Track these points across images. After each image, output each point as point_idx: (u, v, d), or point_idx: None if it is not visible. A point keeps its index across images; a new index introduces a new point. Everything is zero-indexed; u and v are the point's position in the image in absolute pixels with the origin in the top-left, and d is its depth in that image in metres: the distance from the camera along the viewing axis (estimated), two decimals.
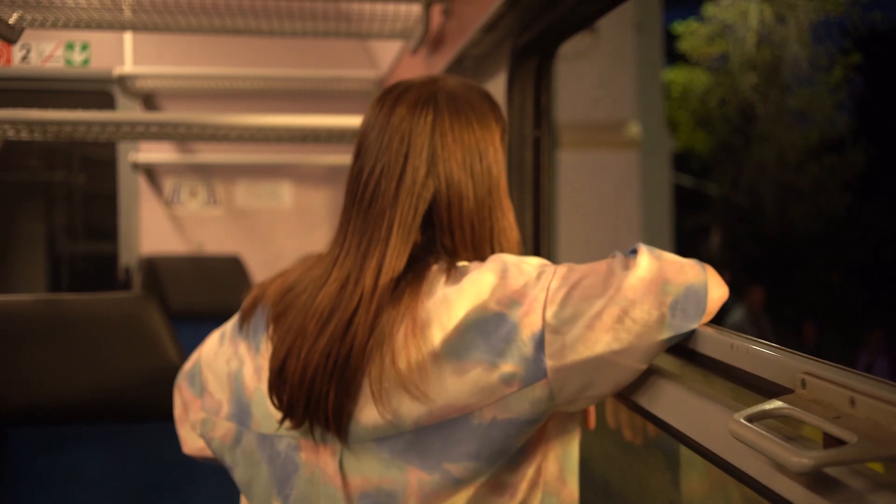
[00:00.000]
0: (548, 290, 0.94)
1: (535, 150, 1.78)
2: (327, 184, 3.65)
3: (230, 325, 1.26)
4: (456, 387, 0.94)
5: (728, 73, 9.32)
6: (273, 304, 1.15)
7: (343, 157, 3.60)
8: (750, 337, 0.92)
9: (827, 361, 0.80)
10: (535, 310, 0.93)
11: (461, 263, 1.04)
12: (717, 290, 0.99)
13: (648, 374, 1.00)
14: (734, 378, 0.95)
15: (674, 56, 8.94)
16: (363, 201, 1.06)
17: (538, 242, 1.78)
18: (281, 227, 3.62)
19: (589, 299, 0.93)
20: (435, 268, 1.03)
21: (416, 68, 2.51)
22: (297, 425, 1.06)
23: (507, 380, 0.93)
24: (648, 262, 0.95)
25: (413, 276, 1.02)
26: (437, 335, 0.96)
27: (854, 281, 11.57)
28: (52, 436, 1.86)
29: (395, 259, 1.03)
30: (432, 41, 2.20)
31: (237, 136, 2.21)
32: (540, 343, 0.92)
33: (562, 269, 0.98)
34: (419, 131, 1.05)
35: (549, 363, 0.92)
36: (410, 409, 0.97)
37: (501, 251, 1.09)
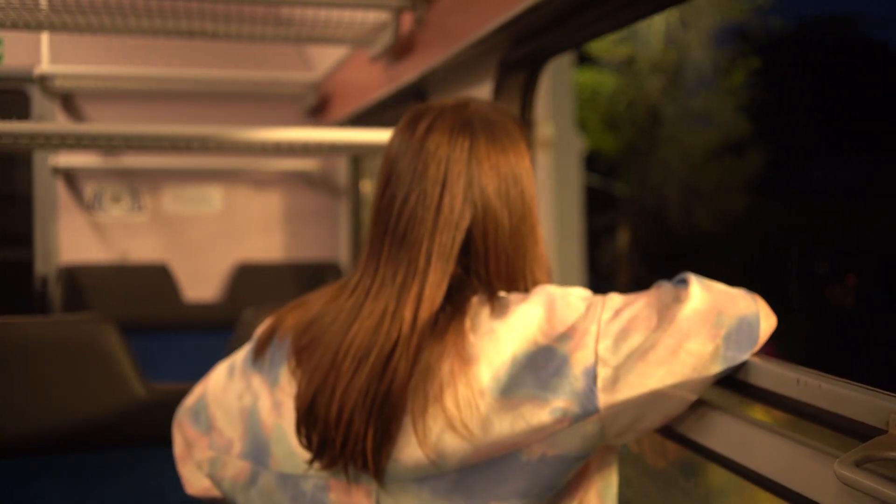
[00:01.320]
0: (599, 322, 0.93)
1: None
2: (261, 189, 3.52)
3: (240, 358, 1.19)
4: (504, 424, 0.92)
5: (635, 76, 9.56)
6: (295, 337, 1.09)
7: (277, 163, 3.48)
8: (824, 374, 0.92)
9: None
10: (587, 343, 0.91)
11: (501, 294, 1.01)
12: (767, 321, 0.98)
13: (723, 417, 0.98)
14: (803, 415, 0.94)
15: (583, 58, 9.12)
16: (397, 231, 1.02)
17: None
18: (211, 234, 3.47)
19: (643, 332, 0.91)
20: (475, 300, 1.00)
21: (374, 75, 2.44)
22: (328, 465, 1.00)
23: (558, 415, 0.91)
24: (701, 294, 0.94)
25: (453, 309, 0.99)
26: (486, 371, 0.93)
27: (747, 277, 12.12)
28: (8, 470, 1.72)
29: (434, 291, 0.99)
30: (398, 49, 2.14)
31: (166, 146, 2.08)
32: (592, 377, 0.90)
33: (612, 300, 0.97)
34: (456, 158, 1.01)
35: (602, 398, 0.90)
36: (456, 448, 0.93)
37: (534, 280, 1.07)
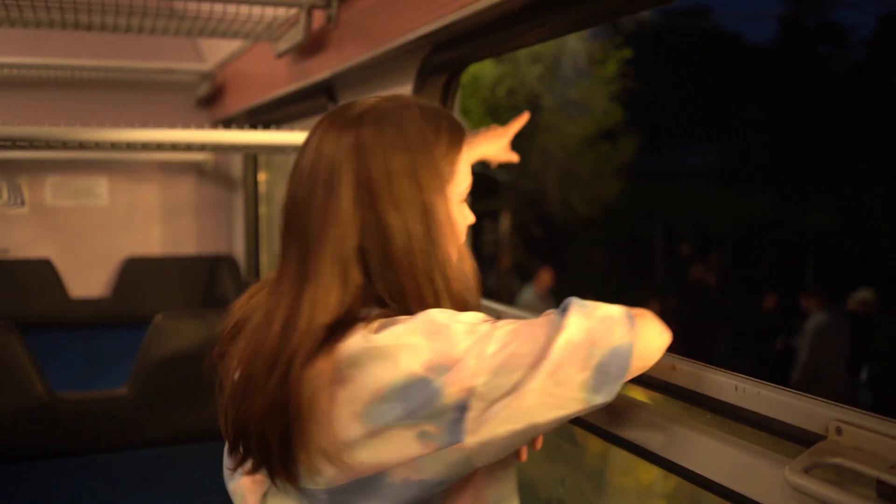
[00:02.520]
0: (480, 356, 0.91)
1: None
2: (149, 180, 3.39)
3: None
4: (370, 450, 0.92)
5: (515, 65, 9.73)
6: (225, 338, 1.09)
7: (168, 154, 3.35)
8: (761, 381, 0.99)
9: (859, 410, 0.88)
10: (463, 378, 0.90)
11: (388, 316, 0.98)
12: (654, 342, 1.00)
13: (670, 425, 1.04)
14: (741, 420, 1.01)
15: None
16: (294, 231, 1.01)
17: None
18: (97, 228, 3.31)
19: (521, 368, 0.91)
20: (365, 315, 0.98)
21: (279, 70, 2.40)
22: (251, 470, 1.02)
23: (425, 442, 0.91)
24: (577, 324, 0.94)
25: (342, 327, 0.96)
26: (357, 395, 0.92)
27: (620, 258, 12.65)
28: None
29: (328, 298, 0.96)
30: (308, 46, 2.11)
31: (41, 147, 1.96)
32: (463, 409, 0.90)
33: (498, 332, 0.94)
34: (343, 157, 0.98)
35: (470, 432, 0.90)
36: (323, 468, 0.94)
37: (442, 283, 1.01)
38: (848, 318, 6.98)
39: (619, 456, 1.29)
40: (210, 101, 3.37)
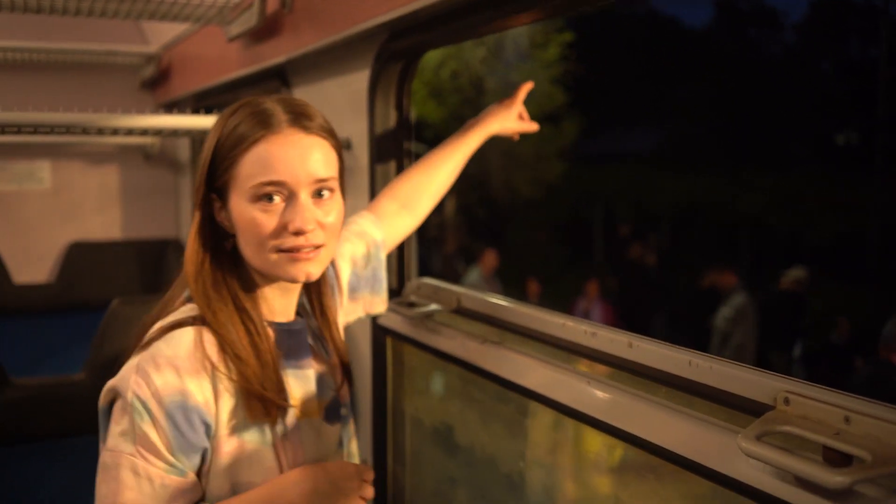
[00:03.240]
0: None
1: (398, 153, 1.79)
2: (94, 164, 3.33)
3: None
4: None
5: (458, 47, 9.74)
6: None
7: (112, 138, 3.29)
8: (713, 356, 1.05)
9: (805, 381, 0.94)
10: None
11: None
12: None
13: (633, 399, 1.10)
14: (696, 393, 1.07)
15: None
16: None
17: (403, 245, 1.80)
18: (40, 213, 3.24)
19: None
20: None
21: (230, 54, 2.38)
22: None
23: None
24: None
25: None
26: None
27: (561, 239, 12.81)
28: None
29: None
30: (261, 31, 2.10)
31: None
32: None
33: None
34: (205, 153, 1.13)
35: None
36: None
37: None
38: (779, 296, 7.24)
39: (579, 430, 1.34)
40: (154, 84, 3.32)
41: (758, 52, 14.00)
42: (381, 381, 1.83)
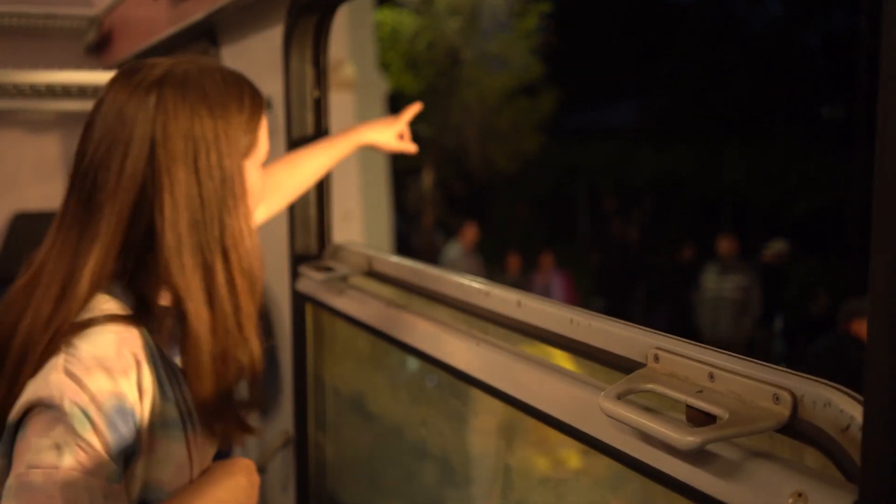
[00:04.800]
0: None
1: (317, 112, 1.73)
2: (38, 132, 3.24)
3: None
4: None
5: (434, 17, 9.62)
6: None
7: (55, 104, 3.21)
8: (595, 313, 1.00)
9: (676, 337, 0.89)
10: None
11: (75, 347, 0.94)
12: None
13: (500, 356, 1.05)
14: (576, 352, 1.02)
15: None
16: (82, 190, 0.97)
17: (321, 212, 1.75)
18: None
19: None
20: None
21: (159, 13, 2.30)
22: None
23: None
24: None
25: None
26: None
27: (540, 213, 12.77)
28: None
29: (105, 266, 0.96)
30: None
31: None
32: None
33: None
34: (142, 118, 0.96)
35: None
36: None
37: (235, 253, 1.01)
38: (761, 270, 7.23)
39: (476, 395, 1.30)
40: (99, 49, 3.23)
41: (741, 23, 13.90)
42: (301, 349, 1.78)
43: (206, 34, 2.13)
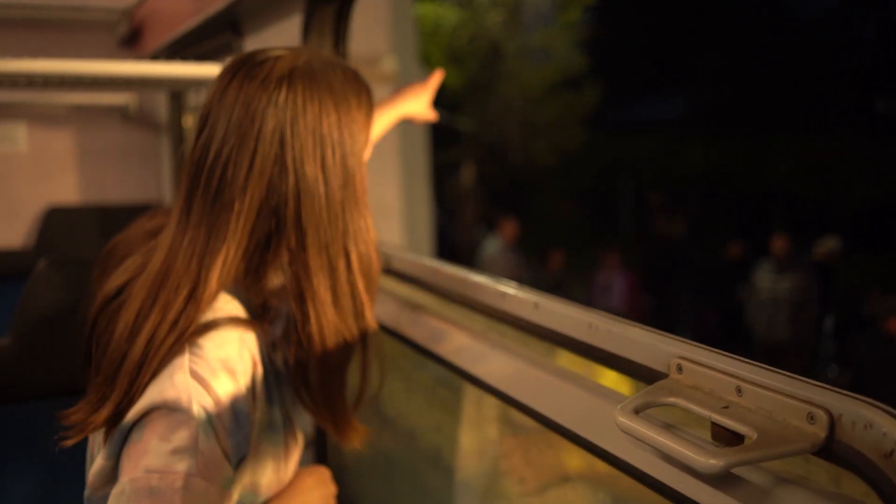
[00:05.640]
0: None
1: None
2: (71, 126, 3.25)
3: None
4: None
5: (475, 10, 9.54)
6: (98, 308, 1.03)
7: (89, 97, 3.21)
8: (615, 318, 0.92)
9: (701, 345, 0.81)
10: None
11: (202, 345, 0.91)
12: None
13: (513, 361, 0.97)
14: (595, 358, 0.94)
15: None
16: (206, 184, 0.94)
17: None
18: (15, 175, 3.17)
19: None
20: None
21: (184, 3, 2.27)
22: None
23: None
24: None
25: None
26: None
27: (582, 209, 12.60)
28: None
29: (232, 265, 0.95)
30: None
31: None
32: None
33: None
34: (272, 113, 0.93)
35: None
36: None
37: (356, 253, 0.99)
38: (813, 268, 7.00)
39: (492, 402, 1.22)
40: (131, 42, 3.22)
41: (792, 12, 13.53)
42: None
43: (231, 24, 2.09)
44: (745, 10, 13.29)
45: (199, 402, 0.85)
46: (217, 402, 0.87)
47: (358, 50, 1.83)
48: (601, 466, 1.03)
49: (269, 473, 0.99)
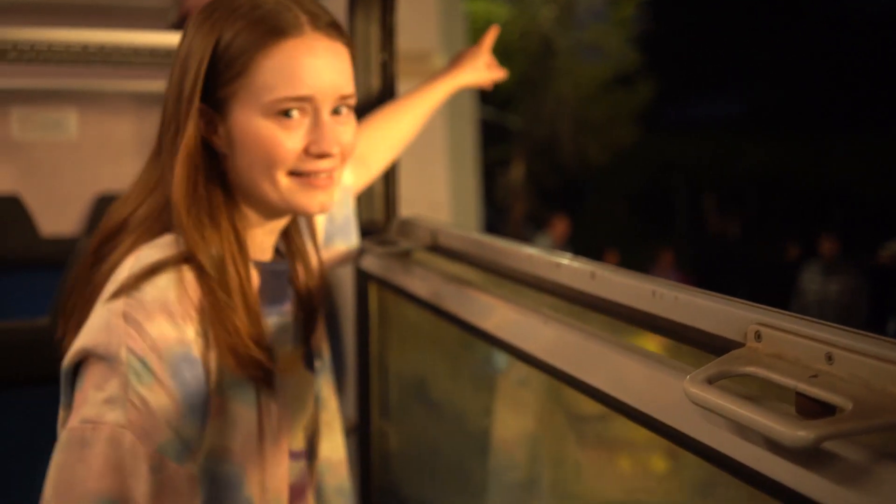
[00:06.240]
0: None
1: (384, 76, 1.61)
2: (121, 112, 3.25)
3: None
4: None
5: (527, 6, 9.45)
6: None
7: (139, 84, 3.21)
8: (682, 285, 0.83)
9: (784, 312, 0.72)
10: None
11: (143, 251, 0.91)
12: None
13: (568, 334, 0.90)
14: (660, 330, 0.86)
15: None
16: (162, 123, 0.99)
17: (388, 185, 1.63)
18: (67, 162, 3.19)
19: None
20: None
21: None
22: None
23: None
24: None
25: None
26: None
27: (635, 208, 12.39)
28: None
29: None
30: None
31: (15, 57, 1.83)
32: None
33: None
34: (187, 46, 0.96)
35: None
36: None
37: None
38: (875, 271, 6.76)
39: (546, 383, 1.15)
40: (181, 28, 3.22)
41: (855, 9, 13.13)
42: (364, 332, 1.66)
43: None
44: (804, 4, 12.95)
45: (130, 347, 0.82)
46: (153, 345, 0.82)
47: (407, 46, 1.77)
48: (666, 449, 0.94)
49: (241, 438, 0.91)
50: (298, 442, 1.06)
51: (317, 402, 1.11)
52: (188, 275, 0.89)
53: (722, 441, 0.67)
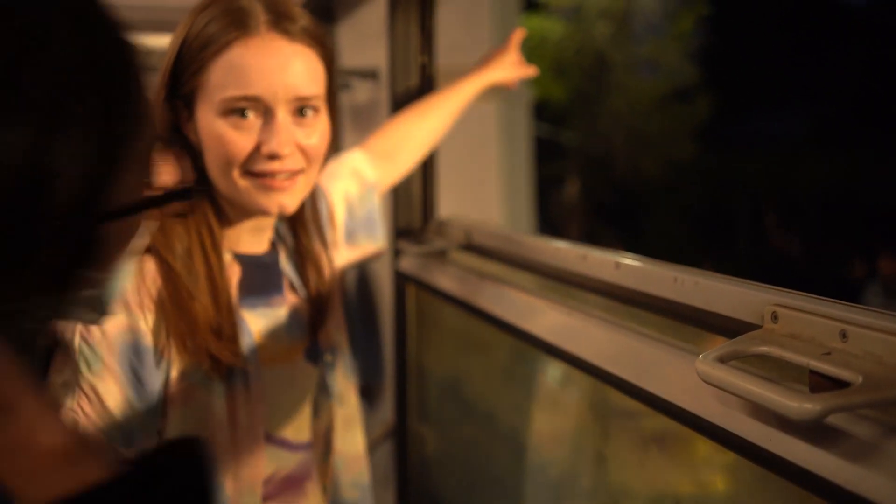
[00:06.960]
0: None
1: (422, 78, 1.63)
2: None
3: None
4: None
5: (582, 22, 9.41)
6: None
7: None
8: (703, 271, 0.82)
9: (796, 291, 0.71)
10: None
11: None
12: None
13: (609, 328, 0.89)
14: (680, 316, 0.85)
15: (529, 3, 8.89)
16: None
17: (425, 186, 1.64)
18: None
19: None
20: None
21: None
22: None
23: None
24: None
25: None
26: None
27: (693, 226, 12.17)
28: None
29: None
30: None
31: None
32: None
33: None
34: None
35: None
36: None
37: None
38: None
39: (585, 382, 1.13)
40: None
41: None
42: (402, 333, 1.67)
43: (321, 9, 2.08)
44: (868, 18, 12.63)
45: (83, 336, 0.85)
46: (104, 334, 0.85)
47: (461, 62, 1.78)
48: (700, 448, 0.93)
49: (210, 426, 0.92)
50: (299, 433, 1.05)
51: (329, 396, 1.10)
52: (149, 265, 0.91)
53: (733, 421, 0.66)
